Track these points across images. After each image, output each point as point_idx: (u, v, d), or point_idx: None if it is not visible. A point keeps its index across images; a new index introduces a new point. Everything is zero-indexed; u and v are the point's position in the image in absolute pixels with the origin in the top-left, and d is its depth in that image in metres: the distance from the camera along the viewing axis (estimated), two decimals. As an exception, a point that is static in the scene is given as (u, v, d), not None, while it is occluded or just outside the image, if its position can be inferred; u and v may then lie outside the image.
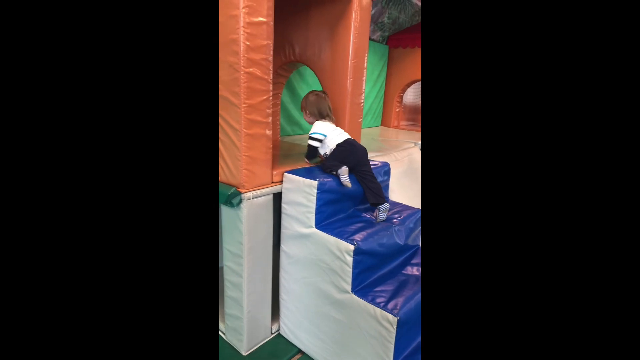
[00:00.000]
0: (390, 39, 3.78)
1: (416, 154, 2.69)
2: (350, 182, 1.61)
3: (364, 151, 1.74)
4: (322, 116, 1.77)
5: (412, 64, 3.68)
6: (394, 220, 1.71)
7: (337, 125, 1.81)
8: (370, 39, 3.59)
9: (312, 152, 1.77)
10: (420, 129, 4.00)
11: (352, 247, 1.42)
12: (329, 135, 1.72)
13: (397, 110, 3.96)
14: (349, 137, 1.75)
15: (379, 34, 3.65)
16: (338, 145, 1.70)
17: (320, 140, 1.72)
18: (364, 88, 2.00)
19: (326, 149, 1.75)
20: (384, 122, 3.99)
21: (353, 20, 1.82)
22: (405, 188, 2.27)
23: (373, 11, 3.38)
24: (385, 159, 2.23)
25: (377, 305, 1.38)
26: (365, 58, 1.95)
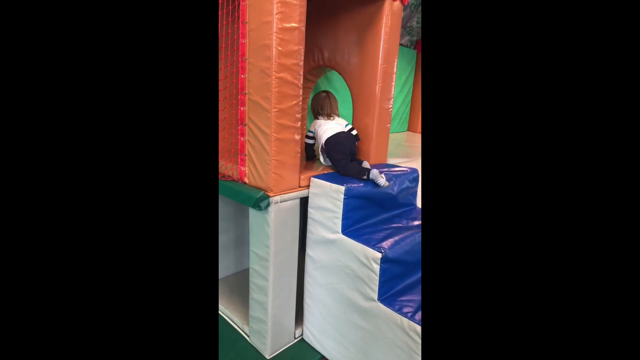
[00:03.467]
0: (419, 44, 3.73)
1: (444, 161, 2.62)
2: (380, 183, 1.60)
3: (347, 136, 1.78)
4: (314, 115, 1.92)
5: (441, 68, 3.61)
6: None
7: (345, 123, 1.88)
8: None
9: (306, 150, 1.93)
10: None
11: (379, 255, 1.40)
12: (316, 132, 1.84)
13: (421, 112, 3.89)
14: (334, 133, 1.75)
15: (407, 38, 3.61)
16: (327, 145, 1.74)
17: (310, 137, 1.91)
18: (392, 93, 1.98)
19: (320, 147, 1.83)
20: (411, 127, 3.94)
21: (384, 25, 1.80)
22: (433, 195, 2.22)
23: (402, 14, 3.35)
24: (413, 164, 2.19)
25: (404, 315, 1.34)
26: (395, 63, 1.93)
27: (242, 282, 2.20)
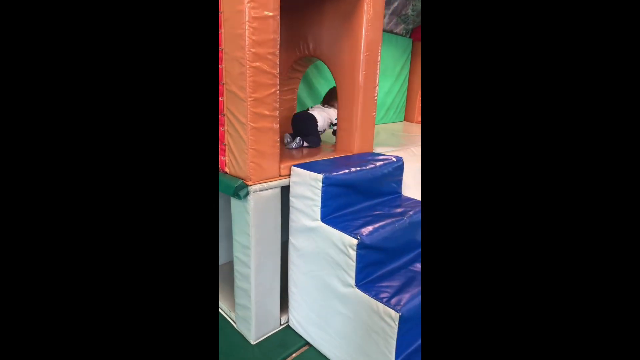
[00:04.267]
0: (414, 32, 3.68)
1: (436, 149, 2.61)
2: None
3: (302, 117, 2.14)
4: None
5: (437, 57, 3.56)
6: (409, 213, 1.67)
7: (331, 114, 2.20)
8: (393, 32, 3.52)
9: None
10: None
11: (355, 241, 1.41)
12: None
13: (422, 105, 3.86)
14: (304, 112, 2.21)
15: (402, 26, 3.57)
16: None
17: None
18: (377, 82, 1.97)
19: None
20: (407, 117, 3.91)
21: (365, 12, 1.79)
22: (420, 184, 2.21)
23: (396, 3, 3.31)
24: (401, 153, 2.18)
25: (380, 300, 1.36)
26: (379, 51, 1.92)
27: (231, 272, 2.23)
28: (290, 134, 2.17)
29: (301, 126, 2.13)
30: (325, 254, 1.54)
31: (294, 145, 2.08)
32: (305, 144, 2.09)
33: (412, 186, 2.10)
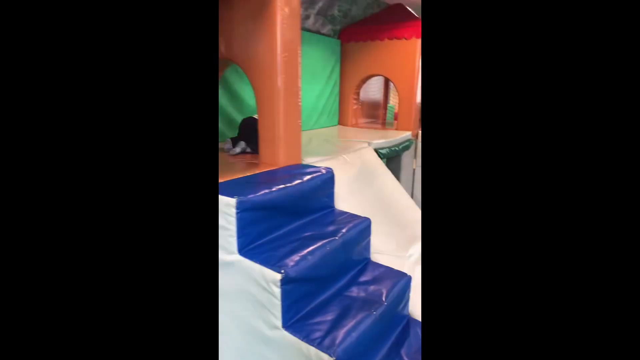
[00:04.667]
0: (342, 33, 3.58)
1: (369, 155, 2.50)
2: None
3: (250, 123, 2.09)
4: None
5: (367, 58, 3.49)
6: (342, 230, 1.50)
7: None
8: (320, 32, 3.38)
9: None
10: (380, 126, 3.87)
11: (278, 276, 1.19)
12: None
13: (355, 107, 3.77)
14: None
15: (329, 27, 3.44)
16: None
17: None
18: (299, 85, 1.78)
19: None
20: (341, 120, 3.80)
21: (279, 8, 1.59)
22: (355, 194, 2.07)
23: (321, 3, 3.17)
24: (332, 163, 2.02)
25: (311, 342, 1.16)
26: (299, 52, 1.73)
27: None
28: (233, 138, 2.10)
29: (248, 132, 2.06)
30: (247, 292, 1.30)
31: (238, 150, 2.04)
32: (248, 149, 2.05)
33: (345, 198, 1.95)
